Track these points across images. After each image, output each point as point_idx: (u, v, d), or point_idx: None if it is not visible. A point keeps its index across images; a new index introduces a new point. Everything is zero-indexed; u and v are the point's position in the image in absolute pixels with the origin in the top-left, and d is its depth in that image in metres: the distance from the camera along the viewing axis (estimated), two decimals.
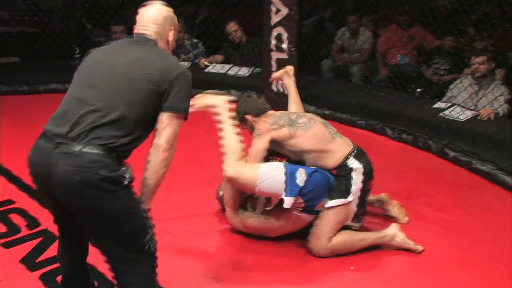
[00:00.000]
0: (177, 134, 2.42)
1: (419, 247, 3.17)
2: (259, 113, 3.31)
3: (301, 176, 3.05)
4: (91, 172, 2.09)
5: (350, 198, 3.10)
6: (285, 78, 3.80)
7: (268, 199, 3.19)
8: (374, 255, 3.17)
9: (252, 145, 3.21)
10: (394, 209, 3.50)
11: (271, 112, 3.32)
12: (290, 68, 3.79)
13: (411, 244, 3.17)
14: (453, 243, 3.32)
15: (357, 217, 3.18)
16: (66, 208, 2.20)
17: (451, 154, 4.39)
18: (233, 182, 3.10)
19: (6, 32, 6.43)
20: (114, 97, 2.21)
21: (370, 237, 3.18)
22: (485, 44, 5.58)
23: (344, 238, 3.11)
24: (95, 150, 2.13)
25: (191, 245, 3.27)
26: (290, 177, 3.03)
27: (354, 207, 3.13)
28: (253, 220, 3.25)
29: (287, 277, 3.01)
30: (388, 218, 3.48)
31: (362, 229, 3.25)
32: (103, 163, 2.13)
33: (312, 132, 3.17)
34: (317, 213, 3.13)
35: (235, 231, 3.42)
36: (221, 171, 3.11)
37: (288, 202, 3.03)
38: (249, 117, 3.30)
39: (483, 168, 4.14)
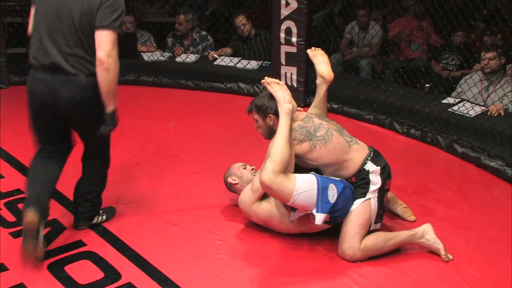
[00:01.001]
0: (113, 47, 2.91)
1: (449, 256, 3.06)
2: None
3: (332, 193, 3.03)
4: (88, 92, 2.89)
5: (369, 196, 3.08)
6: (319, 81, 3.43)
7: (294, 209, 3.12)
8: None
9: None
10: (400, 208, 3.48)
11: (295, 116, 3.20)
12: (329, 77, 3.40)
13: (441, 248, 3.07)
14: (460, 239, 3.31)
15: (379, 217, 3.15)
16: (61, 120, 2.99)
17: (460, 149, 4.37)
18: (267, 190, 3.01)
19: (16, 23, 6.44)
20: (72, 35, 2.85)
21: (401, 235, 3.13)
22: (495, 39, 5.54)
23: (375, 238, 3.07)
24: (82, 76, 2.88)
25: (197, 237, 3.28)
26: (322, 192, 3.00)
27: (375, 207, 3.09)
28: (270, 214, 3.21)
29: (293, 269, 3.01)
30: (394, 217, 3.47)
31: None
32: (93, 85, 2.87)
33: (331, 146, 3.11)
34: (335, 223, 3.13)
35: (243, 223, 3.42)
36: (260, 174, 3.02)
37: (319, 219, 3.01)
38: (272, 117, 3.18)
39: (492, 164, 4.12)
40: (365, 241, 3.04)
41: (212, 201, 3.67)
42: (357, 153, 3.14)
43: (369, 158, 3.13)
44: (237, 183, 3.44)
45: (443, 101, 5.12)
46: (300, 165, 3.20)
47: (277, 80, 3.21)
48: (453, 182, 4.03)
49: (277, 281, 2.92)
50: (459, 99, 5.11)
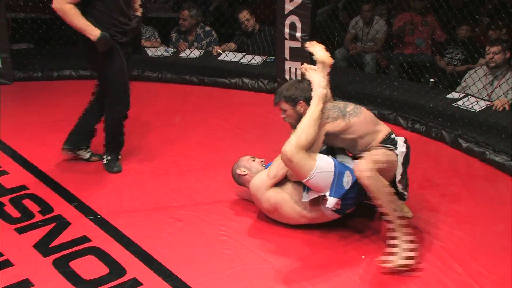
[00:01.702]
0: None
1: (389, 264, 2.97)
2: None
3: (347, 179, 3.08)
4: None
5: (396, 151, 3.15)
6: (320, 68, 3.40)
7: (307, 190, 3.15)
8: (386, 246, 3.16)
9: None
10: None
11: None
12: (329, 61, 3.45)
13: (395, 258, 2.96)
14: (466, 234, 3.31)
15: (402, 177, 3.20)
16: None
17: (465, 144, 4.36)
18: (288, 162, 3.05)
19: (20, 18, 6.44)
20: None
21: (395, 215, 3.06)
22: (500, 34, 5.51)
23: (388, 185, 3.03)
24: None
25: (202, 232, 3.28)
26: (338, 177, 3.05)
27: (399, 163, 3.15)
28: (282, 200, 3.23)
29: (299, 264, 3.01)
30: None
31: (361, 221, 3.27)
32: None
33: (363, 116, 3.22)
34: (343, 214, 3.15)
35: (248, 218, 3.43)
36: (283, 146, 3.05)
37: (331, 202, 3.05)
38: (303, 103, 3.23)
39: (497, 159, 4.11)
40: (379, 177, 2.99)
41: (217, 196, 3.67)
42: (383, 126, 3.29)
43: (392, 133, 3.27)
44: (246, 174, 3.44)
45: (448, 96, 5.10)
46: (331, 145, 3.29)
47: (314, 67, 3.30)
48: (458, 177, 4.02)
49: (283, 276, 2.92)
50: (464, 94, 5.09)
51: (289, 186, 3.26)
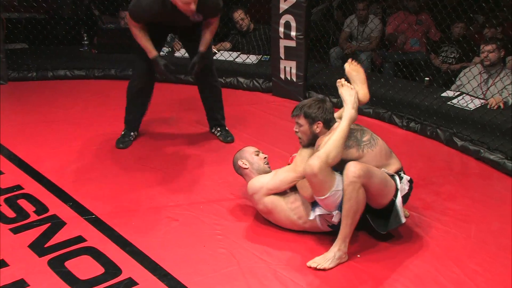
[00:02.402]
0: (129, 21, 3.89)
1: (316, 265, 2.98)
2: (329, 126, 3.20)
3: None
4: None
5: (398, 185, 3.10)
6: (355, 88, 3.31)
7: (313, 207, 3.13)
8: (382, 245, 3.17)
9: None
10: None
11: (336, 125, 3.18)
12: (366, 99, 3.40)
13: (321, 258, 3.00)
14: (461, 232, 3.31)
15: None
16: None
17: (460, 143, 4.37)
18: (312, 177, 2.94)
19: (15, 18, 6.42)
20: None
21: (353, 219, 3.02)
22: (495, 32, 5.52)
23: (364, 200, 2.96)
24: None
25: (198, 231, 3.28)
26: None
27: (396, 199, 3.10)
28: (278, 208, 3.22)
29: (294, 263, 3.01)
30: None
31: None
32: None
33: (378, 149, 3.16)
34: (336, 229, 3.10)
35: (243, 218, 3.43)
36: (309, 161, 2.95)
37: (338, 217, 3.03)
38: (320, 124, 3.17)
39: (492, 157, 4.12)
40: (361, 181, 2.93)
41: (213, 195, 3.67)
42: (396, 160, 3.23)
43: (402, 169, 3.22)
44: (247, 168, 3.38)
45: (443, 94, 5.11)
46: (337, 169, 3.14)
47: (350, 86, 3.23)
48: (453, 176, 4.03)
49: (278, 275, 2.92)
50: (459, 92, 5.10)
51: (286, 194, 3.24)
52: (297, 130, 3.25)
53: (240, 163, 3.41)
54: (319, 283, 2.88)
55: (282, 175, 3.23)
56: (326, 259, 2.96)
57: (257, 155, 3.42)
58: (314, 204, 3.12)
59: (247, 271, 2.94)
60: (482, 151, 4.20)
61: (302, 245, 3.18)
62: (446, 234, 3.29)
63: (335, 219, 3.05)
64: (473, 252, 3.13)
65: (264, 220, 3.38)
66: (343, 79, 3.25)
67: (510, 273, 2.96)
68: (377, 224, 3.12)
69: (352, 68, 3.35)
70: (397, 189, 3.09)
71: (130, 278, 2.86)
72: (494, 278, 2.92)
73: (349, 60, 3.36)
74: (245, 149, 3.48)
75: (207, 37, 4.07)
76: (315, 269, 2.93)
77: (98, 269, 2.92)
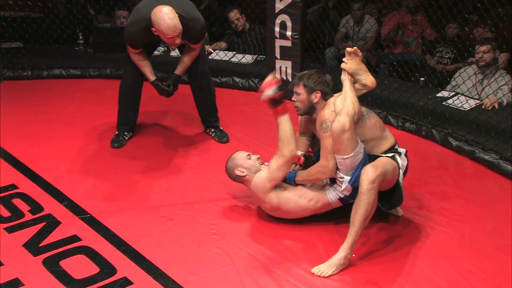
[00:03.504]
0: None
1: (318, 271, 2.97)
2: (326, 97, 3.25)
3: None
4: None
5: (399, 163, 3.18)
6: (359, 86, 3.32)
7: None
8: (377, 244, 3.17)
9: (327, 139, 3.12)
10: None
11: (332, 99, 3.24)
12: (374, 84, 3.35)
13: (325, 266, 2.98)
14: (455, 232, 3.32)
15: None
16: None
17: (455, 143, 4.38)
18: (341, 134, 2.97)
19: (9, 17, 6.40)
20: None
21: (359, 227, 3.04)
22: (487, 33, 5.53)
23: (376, 205, 3.01)
24: None
25: (193, 231, 3.28)
26: (363, 164, 3.06)
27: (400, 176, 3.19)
28: (286, 198, 3.24)
29: (290, 263, 3.02)
30: (383, 211, 3.47)
31: None
32: None
33: (373, 121, 3.23)
34: (347, 203, 3.19)
35: (238, 217, 3.43)
36: (338, 119, 3.00)
37: (346, 188, 3.11)
38: (319, 94, 3.22)
39: (487, 157, 4.13)
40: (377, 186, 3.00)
41: (208, 195, 3.67)
42: (390, 135, 3.31)
43: (397, 143, 3.30)
44: (246, 175, 3.35)
45: (438, 95, 5.12)
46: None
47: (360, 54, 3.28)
48: (448, 176, 4.04)
49: (273, 274, 2.92)
50: (454, 93, 5.12)
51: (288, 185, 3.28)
52: (294, 99, 3.29)
53: (238, 172, 3.36)
54: (314, 282, 2.88)
55: (273, 163, 3.23)
56: (330, 265, 2.94)
57: (250, 158, 3.39)
58: (331, 182, 3.20)
59: (242, 271, 2.94)
60: (477, 151, 4.21)
61: (297, 244, 3.18)
62: (441, 234, 3.30)
63: (343, 190, 3.12)
64: (467, 252, 3.14)
65: (260, 219, 3.39)
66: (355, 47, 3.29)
67: (504, 273, 2.97)
68: (382, 203, 3.20)
69: (352, 62, 3.29)
70: (399, 169, 3.18)
71: (125, 277, 2.85)
72: (488, 278, 2.93)
73: (346, 55, 3.32)
74: (235, 156, 3.43)
75: (185, 62, 4.12)
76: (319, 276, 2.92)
77: (93, 269, 2.91)
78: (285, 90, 3.23)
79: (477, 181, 3.98)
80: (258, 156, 3.45)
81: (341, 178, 3.13)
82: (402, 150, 3.29)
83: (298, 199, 3.24)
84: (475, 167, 4.16)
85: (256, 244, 3.17)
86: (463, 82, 5.10)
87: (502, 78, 4.96)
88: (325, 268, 2.93)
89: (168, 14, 3.67)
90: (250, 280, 2.87)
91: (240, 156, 3.41)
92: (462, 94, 5.04)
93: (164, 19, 3.65)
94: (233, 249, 3.11)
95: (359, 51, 3.29)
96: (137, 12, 3.92)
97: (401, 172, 3.21)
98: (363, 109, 3.24)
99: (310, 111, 3.29)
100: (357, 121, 3.11)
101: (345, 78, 3.22)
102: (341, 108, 3.06)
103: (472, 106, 4.84)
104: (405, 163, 3.26)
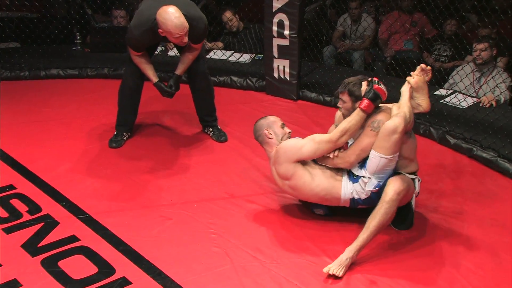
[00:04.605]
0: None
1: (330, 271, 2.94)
2: (378, 105, 3.22)
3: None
4: None
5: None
6: (414, 105, 3.30)
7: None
8: (375, 243, 3.17)
9: (365, 138, 3.16)
10: None
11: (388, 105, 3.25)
12: (428, 108, 3.35)
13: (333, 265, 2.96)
14: (454, 230, 3.33)
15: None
16: None
17: (452, 141, 4.38)
18: (392, 132, 3.00)
19: (6, 17, 6.38)
20: None
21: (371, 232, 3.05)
22: (489, 32, 5.54)
23: (393, 216, 3.05)
24: None
25: (192, 230, 3.28)
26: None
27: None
28: (304, 170, 3.20)
29: (288, 262, 3.02)
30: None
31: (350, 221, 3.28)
32: None
33: (413, 141, 3.25)
34: (355, 207, 3.23)
35: (237, 216, 3.43)
36: (394, 118, 3.05)
37: (370, 187, 3.12)
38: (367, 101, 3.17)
39: (484, 155, 4.14)
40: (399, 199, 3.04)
41: (207, 194, 3.67)
42: (416, 160, 3.32)
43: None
44: (272, 138, 3.32)
45: (435, 93, 5.12)
46: None
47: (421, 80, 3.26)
48: (445, 173, 4.04)
49: (272, 274, 2.92)
50: (451, 91, 5.12)
51: (311, 165, 3.24)
52: (340, 106, 3.29)
53: (266, 132, 3.33)
54: (313, 282, 2.88)
55: (318, 137, 3.20)
56: (340, 265, 2.92)
57: (283, 128, 3.37)
58: (351, 180, 3.19)
59: (241, 270, 2.94)
60: (474, 149, 4.21)
61: (296, 244, 3.18)
62: (438, 232, 3.31)
63: (368, 187, 3.11)
64: (465, 249, 3.15)
65: (258, 218, 3.39)
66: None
67: (502, 270, 2.97)
68: (394, 222, 3.22)
69: (419, 79, 3.26)
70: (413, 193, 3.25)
71: (123, 277, 2.86)
72: (487, 276, 2.93)
73: (417, 70, 3.29)
74: (270, 118, 3.40)
75: (186, 61, 4.10)
76: (329, 275, 2.91)
77: (91, 269, 2.92)
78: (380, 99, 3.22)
79: (475, 179, 3.98)
80: (290, 130, 3.40)
81: (365, 177, 3.13)
82: (419, 179, 3.34)
83: (311, 180, 3.19)
84: (473, 165, 4.16)
85: (255, 243, 3.17)
86: (461, 80, 5.10)
87: (500, 76, 4.97)
88: (337, 267, 2.91)
89: (174, 13, 3.66)
90: (249, 279, 2.88)
91: (275, 120, 3.39)
92: (460, 92, 5.04)
93: (171, 19, 3.65)
94: (231, 249, 3.12)
95: (430, 71, 3.28)
96: (140, 15, 3.91)
97: (414, 196, 3.28)
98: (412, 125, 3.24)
99: None
100: (408, 130, 3.13)
101: (406, 91, 3.21)
102: (397, 112, 3.08)
103: (470, 104, 4.85)
104: (418, 190, 3.30)
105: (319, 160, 3.25)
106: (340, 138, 3.15)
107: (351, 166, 3.19)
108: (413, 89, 3.24)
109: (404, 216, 3.27)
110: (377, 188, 3.10)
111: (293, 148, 3.21)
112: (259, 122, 3.40)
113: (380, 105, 3.25)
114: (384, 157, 3.05)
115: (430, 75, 3.27)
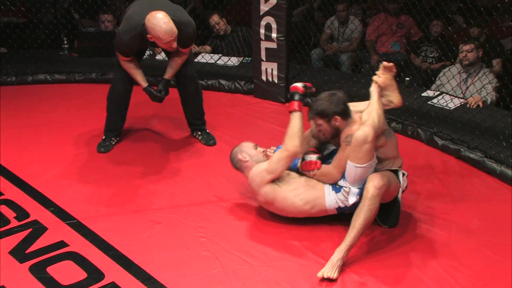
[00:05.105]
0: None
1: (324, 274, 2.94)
2: (347, 115, 3.24)
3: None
4: None
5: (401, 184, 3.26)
6: (386, 102, 3.35)
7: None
8: (364, 244, 3.18)
9: (342, 153, 3.17)
10: None
11: (357, 116, 3.23)
12: (400, 103, 3.42)
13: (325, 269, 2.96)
14: (442, 231, 3.35)
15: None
16: None
17: (440, 142, 4.41)
18: (363, 142, 3.01)
19: None
20: None
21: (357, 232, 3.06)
22: (474, 32, 5.58)
23: (376, 213, 3.04)
24: None
25: (181, 234, 3.28)
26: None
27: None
28: (283, 195, 3.24)
29: (278, 265, 3.02)
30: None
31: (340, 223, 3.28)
32: None
33: (394, 140, 3.28)
34: (343, 212, 3.24)
35: (226, 220, 3.43)
36: (362, 128, 3.04)
37: (352, 200, 3.13)
38: (338, 118, 3.20)
39: (472, 155, 4.16)
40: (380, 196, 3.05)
41: (196, 198, 3.67)
42: (399, 156, 3.35)
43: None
44: (247, 161, 3.38)
45: (423, 94, 5.15)
46: None
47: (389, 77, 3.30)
48: (434, 174, 4.06)
49: (262, 277, 2.93)
50: (439, 92, 5.15)
51: (287, 182, 3.27)
52: (318, 129, 3.29)
53: (240, 156, 3.41)
54: (303, 284, 2.89)
55: (275, 155, 3.26)
56: (333, 267, 2.92)
57: (256, 148, 3.44)
58: (334, 190, 3.20)
59: (231, 273, 2.94)
60: (462, 150, 4.24)
61: (285, 246, 3.19)
62: (427, 232, 3.32)
63: (351, 201, 3.13)
64: (454, 249, 3.17)
65: (247, 222, 3.39)
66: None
67: (490, 270, 3.00)
68: (381, 219, 3.25)
69: (385, 77, 3.28)
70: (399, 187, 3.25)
71: (113, 282, 2.85)
72: (474, 275, 2.95)
73: (381, 68, 3.30)
74: (242, 144, 3.49)
75: (175, 66, 4.09)
76: (323, 278, 2.91)
77: (80, 274, 2.90)
78: (309, 96, 3.25)
79: (463, 179, 4.01)
80: (264, 149, 3.47)
81: (346, 187, 3.15)
82: (405, 173, 3.36)
83: (294, 198, 3.24)
84: (461, 166, 4.19)
85: (245, 246, 3.17)
86: (448, 81, 5.13)
87: (486, 77, 5.01)
88: (330, 270, 2.91)
89: (163, 19, 3.66)
90: (239, 282, 2.88)
91: (247, 144, 3.48)
92: (447, 93, 5.08)
93: (160, 24, 3.64)
94: (221, 252, 3.11)
95: (394, 68, 3.30)
96: (129, 20, 3.89)
97: (401, 190, 3.29)
98: (386, 126, 3.26)
99: (337, 133, 3.27)
100: (379, 135, 3.13)
101: (374, 91, 3.22)
102: (366, 119, 3.08)
103: (457, 105, 4.88)
104: (405, 184, 3.33)
105: (307, 189, 3.26)
106: (291, 144, 3.19)
107: (336, 181, 3.21)
108: (382, 88, 3.26)
109: (391, 212, 3.29)
110: (359, 196, 3.11)
111: (258, 172, 3.27)
112: (232, 151, 3.48)
113: (353, 111, 3.28)
114: (360, 167, 3.07)
115: (394, 70, 3.31)
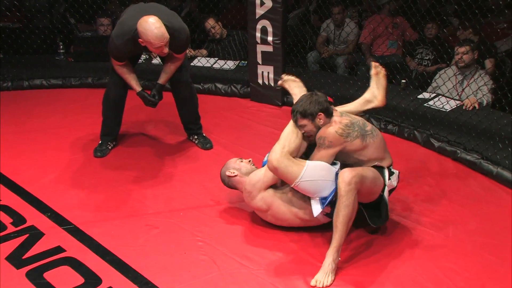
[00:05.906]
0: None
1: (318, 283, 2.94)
2: (330, 113, 3.20)
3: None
4: None
5: (386, 181, 3.21)
6: (370, 98, 3.56)
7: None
8: (361, 247, 3.19)
9: (316, 154, 3.17)
10: None
11: (339, 119, 3.20)
12: (382, 103, 3.56)
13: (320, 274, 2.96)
14: (439, 233, 3.35)
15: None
16: None
17: (437, 144, 4.42)
18: (274, 170, 3.08)
19: None
20: None
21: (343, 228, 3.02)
22: (469, 34, 5.60)
23: (357, 206, 2.99)
24: None
25: (178, 239, 3.27)
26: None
27: (385, 194, 3.20)
28: (275, 201, 3.24)
29: (275, 269, 3.02)
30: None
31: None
32: None
33: (378, 141, 3.22)
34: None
35: (223, 224, 3.43)
36: (269, 155, 3.11)
37: (316, 211, 3.11)
38: (322, 116, 3.17)
39: (468, 157, 4.17)
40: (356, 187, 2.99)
41: (193, 202, 3.66)
42: (389, 155, 3.31)
43: (392, 164, 3.32)
44: (236, 175, 3.39)
45: (419, 96, 5.17)
46: (341, 161, 3.23)
47: (293, 78, 3.41)
48: (430, 176, 4.07)
49: (259, 280, 2.92)
50: (435, 94, 5.17)
51: (283, 190, 3.27)
52: (303, 131, 3.25)
53: (228, 173, 3.42)
54: (301, 287, 2.88)
55: (280, 160, 3.19)
56: (326, 273, 2.91)
57: (242, 161, 3.46)
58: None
59: (228, 277, 2.94)
60: (458, 151, 4.25)
61: (282, 250, 3.18)
62: (424, 234, 3.33)
63: (314, 213, 3.10)
64: (451, 251, 3.17)
65: (245, 225, 3.39)
66: (284, 75, 3.56)
67: (487, 272, 3.00)
68: (369, 216, 3.20)
69: (380, 72, 3.40)
70: (384, 185, 3.18)
71: (110, 287, 2.84)
72: (471, 277, 2.95)
73: (377, 65, 3.44)
74: (227, 162, 3.51)
75: (169, 71, 4.10)
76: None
77: (78, 280, 2.90)
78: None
79: (460, 181, 4.01)
80: (250, 159, 3.49)
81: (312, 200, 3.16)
82: (396, 172, 3.31)
83: (291, 205, 3.23)
84: (457, 167, 4.19)
85: (242, 250, 3.17)
86: (444, 83, 5.15)
87: (482, 79, 5.02)
88: (323, 277, 2.90)
89: (154, 24, 3.66)
90: (236, 286, 2.87)
91: (231, 160, 3.50)
92: (443, 95, 5.09)
93: (151, 29, 3.64)
94: (219, 256, 3.11)
95: (383, 68, 3.48)
96: (122, 24, 3.89)
97: (387, 189, 3.21)
98: (369, 127, 3.21)
99: None
100: (296, 152, 3.18)
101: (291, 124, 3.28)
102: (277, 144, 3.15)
103: (453, 107, 4.89)
104: (394, 183, 3.28)
105: (302, 199, 3.25)
106: (285, 148, 3.16)
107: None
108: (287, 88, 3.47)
109: (378, 210, 3.22)
110: (326, 205, 3.10)
111: (257, 178, 3.27)
112: (221, 172, 3.49)
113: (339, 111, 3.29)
114: (293, 185, 3.09)
115: (383, 71, 3.48)
